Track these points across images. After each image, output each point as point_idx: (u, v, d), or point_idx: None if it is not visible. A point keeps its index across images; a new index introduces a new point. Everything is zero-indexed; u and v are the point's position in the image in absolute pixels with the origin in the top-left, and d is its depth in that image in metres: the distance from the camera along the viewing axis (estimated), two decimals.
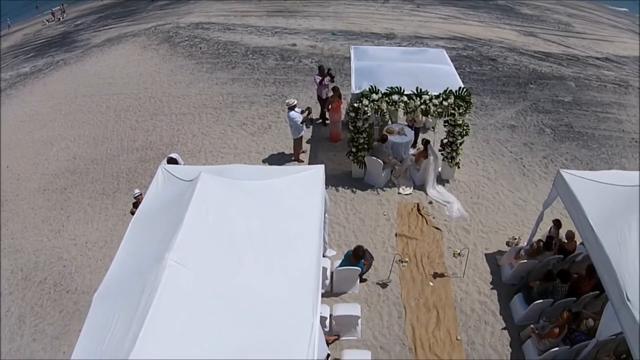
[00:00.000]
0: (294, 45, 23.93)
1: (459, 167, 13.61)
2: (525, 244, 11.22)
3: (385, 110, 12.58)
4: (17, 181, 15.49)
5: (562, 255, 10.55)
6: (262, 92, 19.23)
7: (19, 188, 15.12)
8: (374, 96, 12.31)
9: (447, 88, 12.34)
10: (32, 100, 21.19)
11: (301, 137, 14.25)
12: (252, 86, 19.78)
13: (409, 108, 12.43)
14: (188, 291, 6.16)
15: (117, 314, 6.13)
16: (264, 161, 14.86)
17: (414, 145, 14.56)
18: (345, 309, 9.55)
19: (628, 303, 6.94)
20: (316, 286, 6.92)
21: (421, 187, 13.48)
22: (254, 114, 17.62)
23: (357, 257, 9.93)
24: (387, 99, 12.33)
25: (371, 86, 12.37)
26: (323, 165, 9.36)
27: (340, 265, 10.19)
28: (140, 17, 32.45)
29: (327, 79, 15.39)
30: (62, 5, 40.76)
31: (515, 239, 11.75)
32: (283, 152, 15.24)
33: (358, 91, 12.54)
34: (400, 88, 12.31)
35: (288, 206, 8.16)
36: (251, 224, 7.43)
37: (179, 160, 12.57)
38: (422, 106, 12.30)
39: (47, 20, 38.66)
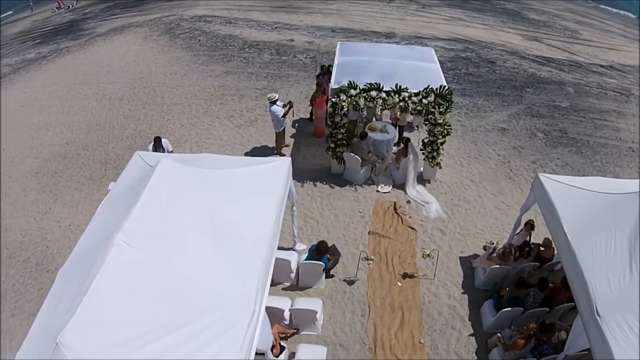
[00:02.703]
0: (292, 40, 23.87)
1: (440, 167, 13.39)
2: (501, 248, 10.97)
3: (362, 106, 12.42)
4: (11, 164, 15.62)
5: (537, 263, 10.32)
6: (254, 85, 19.26)
7: (13, 170, 15.26)
8: (352, 92, 12.20)
9: (428, 86, 12.17)
10: (33, 86, 21.36)
11: (283, 130, 14.14)
12: (244, 79, 19.79)
13: (388, 105, 12.27)
14: (130, 270, 6.28)
15: (69, 289, 6.33)
16: (246, 153, 14.78)
17: (397, 143, 14.36)
18: (304, 303, 9.46)
19: (597, 318, 6.56)
20: (264, 275, 6.94)
21: (401, 185, 13.29)
22: (243, 106, 17.65)
23: (320, 252, 9.86)
24: (365, 94, 12.21)
25: (350, 82, 12.25)
26: (290, 158, 9.40)
27: (305, 260, 10.12)
28: (147, 7, 32.47)
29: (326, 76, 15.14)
30: None
31: (493, 243, 11.49)
32: (266, 145, 15.19)
33: (337, 86, 12.44)
34: (379, 84, 12.17)
35: (246, 195, 8.18)
36: (204, 211, 7.51)
37: (166, 145, 12.73)
38: (401, 103, 12.14)
39: (56, 8, 38.68)
